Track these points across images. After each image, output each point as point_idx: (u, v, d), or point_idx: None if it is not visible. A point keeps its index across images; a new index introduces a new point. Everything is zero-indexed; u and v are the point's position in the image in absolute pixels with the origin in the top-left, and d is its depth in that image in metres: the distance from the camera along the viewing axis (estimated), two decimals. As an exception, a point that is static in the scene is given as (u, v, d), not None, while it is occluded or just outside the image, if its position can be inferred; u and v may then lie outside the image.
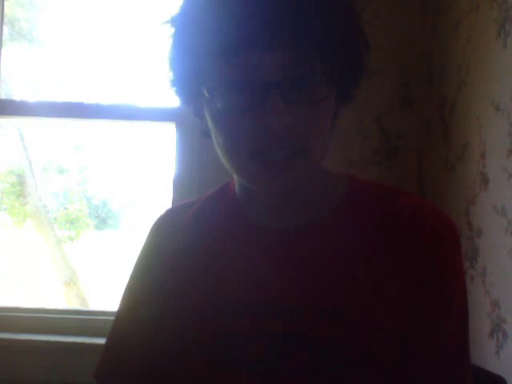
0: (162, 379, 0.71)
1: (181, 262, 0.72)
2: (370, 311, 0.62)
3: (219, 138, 0.62)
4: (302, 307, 0.63)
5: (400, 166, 1.61)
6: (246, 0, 0.56)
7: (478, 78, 1.27)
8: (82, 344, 1.51)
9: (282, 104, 0.56)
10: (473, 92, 1.29)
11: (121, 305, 0.75)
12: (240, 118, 0.58)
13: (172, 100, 1.72)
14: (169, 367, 0.70)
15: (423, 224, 0.64)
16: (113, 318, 0.76)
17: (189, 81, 0.64)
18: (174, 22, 0.63)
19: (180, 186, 1.63)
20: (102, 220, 5.69)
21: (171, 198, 1.64)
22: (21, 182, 4.45)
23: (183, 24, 0.62)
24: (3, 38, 1.80)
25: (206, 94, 0.60)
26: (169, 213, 0.80)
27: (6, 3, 1.80)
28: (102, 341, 0.75)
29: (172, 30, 0.63)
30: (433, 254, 0.63)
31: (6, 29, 4.10)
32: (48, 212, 4.65)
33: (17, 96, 4.95)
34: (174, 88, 0.67)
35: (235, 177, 0.69)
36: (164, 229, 0.77)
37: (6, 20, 1.93)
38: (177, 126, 1.65)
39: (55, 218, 5.04)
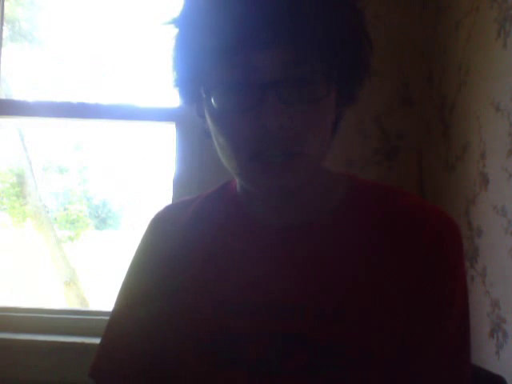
0: (159, 378, 0.71)
1: (180, 260, 0.72)
2: (370, 311, 0.62)
3: (219, 138, 0.62)
4: (302, 307, 0.63)
5: (400, 166, 1.61)
6: (246, 0, 0.56)
7: (478, 77, 1.27)
8: (82, 344, 1.51)
9: (280, 104, 0.56)
10: (473, 92, 1.29)
11: (117, 302, 0.75)
12: (238, 118, 0.58)
13: (172, 100, 1.72)
14: (167, 366, 0.70)
15: (424, 224, 0.64)
16: (113, 318, 0.76)
17: (190, 81, 0.64)
18: (175, 22, 0.63)
19: (180, 186, 1.63)
20: (102, 220, 5.68)
21: (171, 198, 1.63)
22: (21, 182, 4.45)
23: (184, 24, 0.62)
24: (3, 38, 1.80)
25: (203, 94, 0.60)
26: (168, 209, 0.79)
27: (5, 3, 1.80)
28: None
29: (174, 31, 0.64)
30: (434, 254, 0.63)
31: (5, 29, 4.10)
32: (48, 212, 4.65)
33: (17, 96, 4.94)
34: (177, 88, 0.67)
35: (236, 177, 0.69)
36: (162, 226, 0.77)
37: (5, 20, 1.93)
38: (177, 126, 1.65)
39: (55, 218, 5.04)
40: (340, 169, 0.72)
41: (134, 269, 0.76)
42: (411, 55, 1.62)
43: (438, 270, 0.63)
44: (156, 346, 0.71)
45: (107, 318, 0.76)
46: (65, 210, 5.22)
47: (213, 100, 0.59)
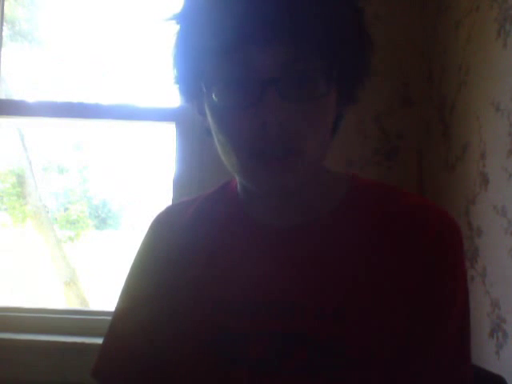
0: (161, 378, 0.71)
1: (180, 261, 0.72)
2: (370, 311, 0.62)
3: (219, 135, 0.62)
4: (302, 307, 0.63)
5: (400, 166, 1.61)
6: None
7: (478, 77, 1.27)
8: (82, 344, 1.51)
9: (280, 101, 0.56)
10: (473, 92, 1.29)
11: (119, 302, 0.75)
12: (238, 115, 0.58)
13: (172, 100, 1.72)
14: (168, 366, 0.70)
15: (424, 223, 0.64)
16: (113, 317, 0.76)
17: (191, 78, 0.64)
18: (176, 18, 0.64)
19: (180, 186, 1.63)
20: (102, 220, 5.68)
21: (171, 198, 1.64)
22: (21, 182, 4.45)
23: (185, 21, 0.63)
24: (3, 37, 1.80)
25: (204, 90, 0.60)
26: (168, 210, 0.80)
27: (5, 3, 1.80)
28: (102, 341, 0.75)
29: (175, 28, 0.64)
30: (434, 254, 0.63)
31: (5, 29, 4.10)
32: (48, 212, 4.65)
33: (17, 96, 4.94)
34: (178, 85, 0.67)
35: (236, 176, 0.69)
36: (163, 227, 0.77)
37: (5, 20, 1.93)
38: (177, 126, 1.65)
39: (55, 218, 5.04)
40: (340, 169, 0.72)
41: (135, 269, 0.76)
42: (411, 55, 1.62)
43: (439, 270, 0.63)
44: (157, 346, 0.71)
45: (107, 317, 0.76)
46: (65, 210, 5.22)
47: (214, 96, 0.60)
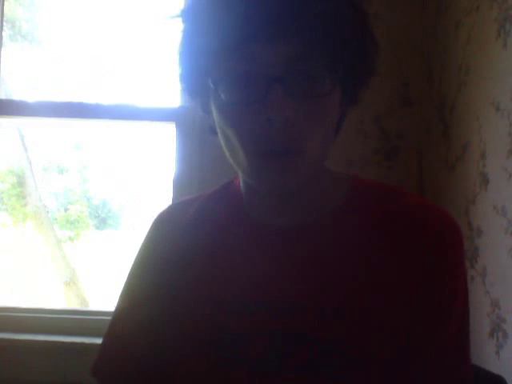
0: (160, 378, 0.71)
1: (181, 260, 0.72)
2: (370, 311, 0.62)
3: (224, 131, 0.62)
4: (302, 306, 0.63)
5: (400, 166, 1.61)
6: None
7: (478, 77, 1.27)
8: (82, 344, 1.51)
9: (285, 98, 0.56)
10: (473, 92, 1.29)
11: (120, 300, 0.75)
12: (244, 111, 0.59)
13: (172, 100, 1.72)
14: (168, 366, 0.70)
15: (424, 224, 0.64)
16: (113, 317, 0.76)
17: (196, 75, 0.64)
18: (181, 16, 0.64)
19: (180, 186, 1.63)
20: (102, 220, 5.68)
21: (171, 198, 1.64)
22: (21, 182, 4.45)
23: (190, 19, 0.63)
24: (3, 37, 1.80)
25: (211, 86, 0.60)
26: (170, 210, 0.80)
27: (5, 3, 1.80)
28: (101, 341, 0.75)
29: (180, 26, 0.64)
30: (434, 254, 0.63)
31: (6, 29, 4.10)
32: (48, 212, 4.65)
33: (17, 96, 4.95)
34: (182, 83, 0.67)
35: (240, 173, 0.69)
36: (164, 226, 0.77)
37: (5, 20, 1.93)
38: (177, 126, 1.65)
39: (55, 219, 5.04)
40: (340, 169, 0.72)
41: (136, 268, 0.76)
42: (411, 55, 1.62)
43: (439, 270, 0.63)
44: (157, 345, 0.71)
45: (107, 317, 0.76)
46: (65, 210, 5.22)
47: (220, 92, 0.60)
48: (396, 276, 0.63)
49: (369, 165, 1.61)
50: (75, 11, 4.47)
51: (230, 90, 0.59)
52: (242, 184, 0.72)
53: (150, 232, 0.78)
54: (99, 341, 0.75)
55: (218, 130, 0.64)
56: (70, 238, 5.05)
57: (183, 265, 0.72)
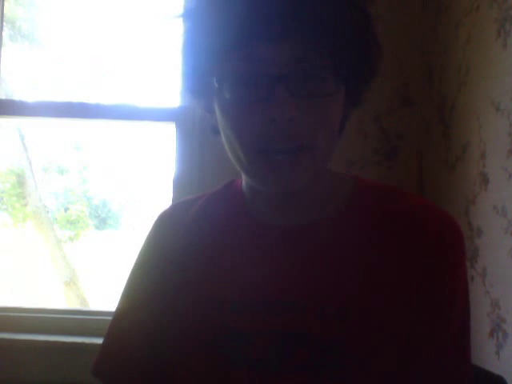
0: (161, 377, 0.71)
1: (183, 259, 0.72)
2: (370, 311, 0.62)
3: (227, 130, 0.62)
4: (303, 306, 0.63)
5: (400, 166, 1.61)
6: None
7: (478, 77, 1.27)
8: (82, 344, 1.51)
9: (289, 97, 0.56)
10: (473, 92, 1.29)
11: (121, 299, 0.75)
12: (248, 110, 0.59)
13: (172, 100, 1.72)
14: (168, 365, 0.70)
15: (425, 224, 0.64)
16: (113, 318, 0.76)
17: (199, 74, 0.64)
18: (185, 15, 0.64)
19: (180, 186, 1.63)
20: (102, 220, 5.68)
21: (171, 198, 1.64)
22: (21, 182, 4.45)
23: (193, 18, 0.63)
24: (3, 38, 1.80)
25: (216, 85, 0.60)
26: (172, 209, 0.80)
27: (5, 3, 1.80)
28: (102, 341, 0.75)
29: (183, 25, 0.64)
30: (434, 254, 0.63)
31: (6, 29, 4.10)
32: (48, 212, 4.65)
33: (17, 96, 4.94)
34: (186, 82, 0.67)
35: (242, 173, 0.69)
36: (166, 225, 0.77)
37: (5, 20, 1.93)
38: (177, 126, 1.65)
39: (55, 219, 5.04)
40: (340, 169, 0.73)
41: (137, 268, 0.76)
42: (411, 55, 1.62)
43: (439, 270, 0.63)
44: (158, 345, 0.71)
45: (107, 318, 0.76)
46: (65, 210, 5.22)
47: (225, 91, 0.60)
48: (396, 276, 0.63)
49: (369, 165, 1.61)
50: (75, 11, 4.47)
51: (233, 89, 0.59)
52: (243, 184, 0.72)
53: (151, 232, 0.78)
54: (99, 341, 0.75)
55: (221, 130, 0.64)
56: (70, 238, 5.05)
57: (184, 264, 0.72)
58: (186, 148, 1.63)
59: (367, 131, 1.61)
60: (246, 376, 0.63)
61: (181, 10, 0.66)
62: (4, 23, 1.81)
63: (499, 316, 1.12)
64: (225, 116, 0.61)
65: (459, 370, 0.64)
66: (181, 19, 0.65)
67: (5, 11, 1.81)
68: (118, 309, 0.75)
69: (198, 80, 0.65)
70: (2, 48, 1.77)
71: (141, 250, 0.78)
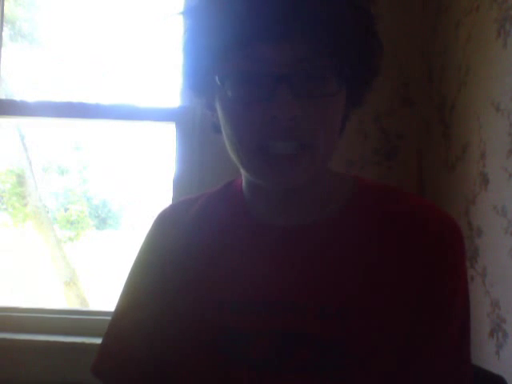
0: (161, 377, 0.71)
1: (183, 259, 0.72)
2: (370, 311, 0.62)
3: (228, 129, 0.62)
4: (304, 306, 0.63)
5: (400, 166, 1.61)
6: None
7: (478, 77, 1.27)
8: (82, 344, 1.51)
9: (291, 97, 0.56)
10: (473, 92, 1.29)
11: (120, 298, 0.75)
12: (249, 109, 0.59)
13: (172, 100, 1.72)
14: (168, 365, 0.70)
15: (425, 224, 0.64)
16: (113, 317, 0.76)
17: (201, 73, 0.64)
18: (186, 14, 0.64)
19: (180, 186, 1.62)
20: (102, 220, 5.68)
21: (171, 198, 1.64)
22: (21, 182, 4.45)
23: (195, 17, 0.63)
24: (3, 38, 1.80)
25: (218, 83, 0.60)
26: (172, 208, 0.80)
27: (5, 3, 1.80)
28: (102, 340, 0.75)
29: (185, 23, 0.64)
30: (434, 255, 0.63)
31: (6, 29, 4.10)
32: (48, 212, 4.65)
33: (17, 96, 4.95)
34: (187, 81, 0.67)
35: (242, 171, 0.69)
36: (166, 224, 0.77)
37: (5, 20, 1.93)
38: (177, 126, 1.65)
39: (55, 219, 5.04)
40: (340, 169, 0.73)
41: (137, 267, 0.76)
42: (411, 55, 1.62)
43: (439, 270, 0.63)
44: (158, 344, 0.71)
45: (107, 317, 0.76)
46: (65, 210, 5.22)
47: (227, 90, 0.60)
48: (396, 276, 0.63)
49: (369, 165, 1.61)
50: (75, 11, 4.47)
51: (235, 87, 0.59)
52: (243, 183, 0.72)
53: (151, 230, 0.78)
54: (99, 341, 0.75)
55: (222, 128, 0.64)
56: (70, 238, 5.05)
57: (184, 264, 0.72)
58: (186, 148, 1.63)
59: (367, 131, 1.61)
60: (246, 376, 0.63)
61: (181, 9, 0.66)
62: (4, 23, 1.81)
63: (499, 316, 1.12)
64: (226, 114, 0.61)
65: (459, 370, 0.64)
66: (181, 18, 0.65)
67: (5, 11, 1.81)
68: (117, 308, 0.75)
69: (199, 78, 0.65)
70: (2, 48, 1.77)
71: (140, 249, 0.78)
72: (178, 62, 0.68)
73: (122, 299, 0.75)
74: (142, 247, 0.78)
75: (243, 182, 0.72)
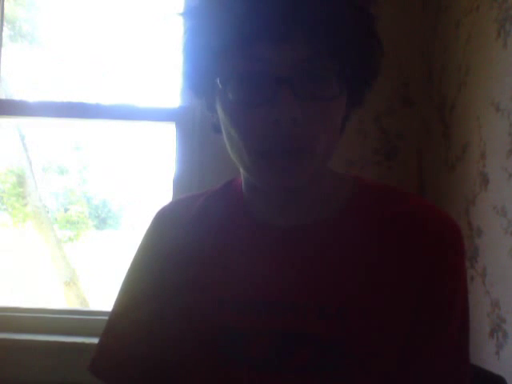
0: (160, 376, 0.71)
1: (181, 258, 0.72)
2: (370, 311, 0.62)
3: (230, 131, 0.62)
4: (304, 306, 0.63)
5: (400, 166, 1.61)
6: None
7: (478, 78, 1.27)
8: (82, 344, 1.51)
9: (293, 100, 0.56)
10: (473, 92, 1.29)
11: (118, 297, 0.75)
12: (252, 111, 0.59)
13: (172, 100, 1.72)
14: (168, 364, 0.70)
15: (425, 224, 0.64)
16: (113, 318, 0.76)
17: (202, 73, 0.64)
18: (188, 13, 0.64)
19: (180, 186, 1.63)
20: (102, 220, 5.68)
21: (171, 198, 1.63)
22: (21, 182, 4.45)
23: (195, 17, 0.63)
24: (3, 38, 1.80)
25: (219, 85, 0.60)
26: (172, 206, 0.79)
27: (5, 3, 1.80)
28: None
29: (185, 24, 0.64)
30: (435, 255, 0.63)
31: (6, 29, 4.10)
32: (48, 212, 4.65)
33: (17, 96, 4.94)
34: (187, 82, 0.67)
35: (242, 172, 0.69)
36: (166, 222, 0.77)
37: (5, 20, 1.93)
38: (177, 126, 1.65)
39: (55, 219, 5.04)
40: (340, 169, 0.73)
41: (136, 265, 0.76)
42: (411, 55, 1.62)
43: (439, 271, 0.63)
44: (157, 344, 0.71)
45: (107, 318, 0.76)
46: (65, 210, 5.22)
47: (228, 92, 0.60)
48: (396, 276, 0.63)
49: (369, 165, 1.61)
50: (75, 11, 4.47)
51: (237, 90, 0.59)
52: (243, 183, 0.72)
53: (150, 228, 0.78)
54: (100, 338, 0.74)
55: (223, 129, 0.64)
56: (70, 238, 5.04)
57: (184, 263, 0.72)
58: (186, 148, 1.63)
59: (367, 131, 1.61)
60: (246, 376, 0.63)
61: (181, 10, 0.65)
62: (4, 23, 1.81)
63: (499, 316, 1.12)
64: (228, 116, 0.61)
65: (459, 370, 0.64)
66: (181, 18, 0.65)
67: (5, 11, 1.81)
68: (115, 306, 0.75)
69: (199, 79, 0.65)
70: (2, 48, 1.77)
71: (139, 247, 0.77)
72: (178, 62, 0.68)
73: (120, 297, 0.75)
74: (141, 245, 0.77)
75: (243, 182, 0.72)
